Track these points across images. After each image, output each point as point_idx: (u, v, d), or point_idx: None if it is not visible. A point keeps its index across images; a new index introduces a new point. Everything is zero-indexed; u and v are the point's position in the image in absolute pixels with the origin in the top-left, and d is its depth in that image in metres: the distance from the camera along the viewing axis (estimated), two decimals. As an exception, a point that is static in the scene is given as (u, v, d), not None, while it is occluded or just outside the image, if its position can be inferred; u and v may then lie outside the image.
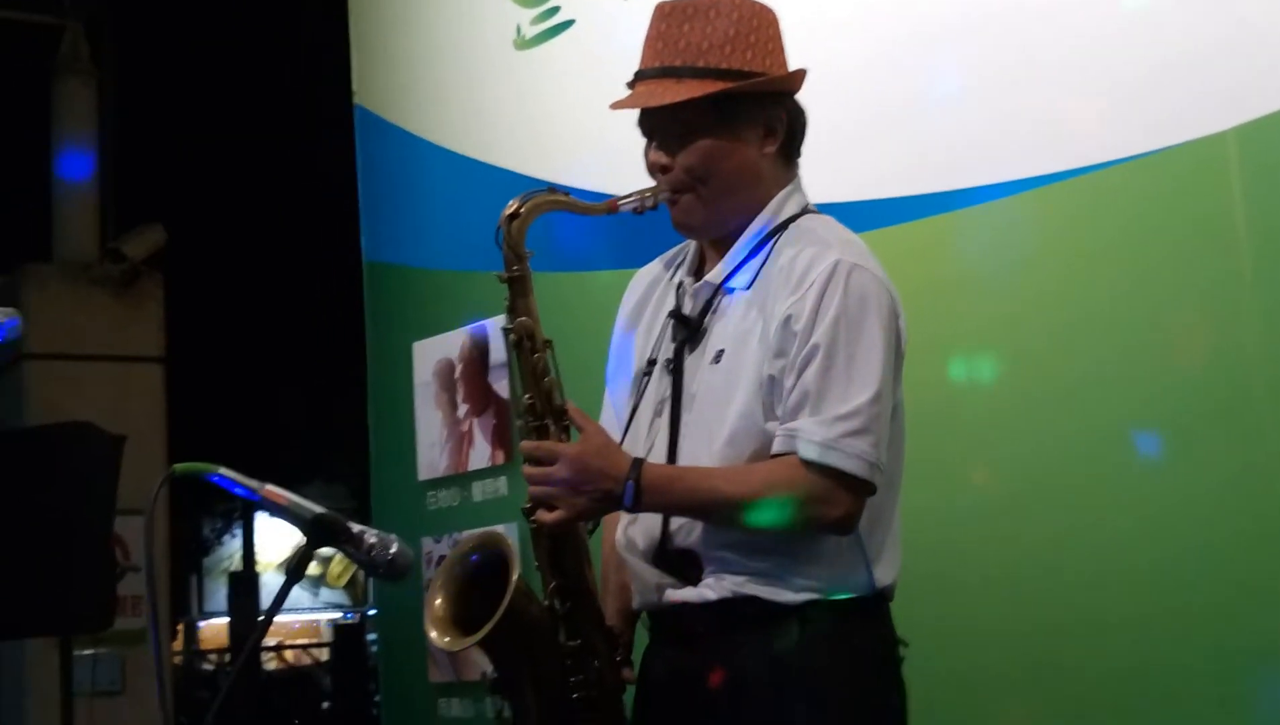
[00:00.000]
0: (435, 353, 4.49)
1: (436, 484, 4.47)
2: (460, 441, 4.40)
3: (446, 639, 2.30)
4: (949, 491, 3.15)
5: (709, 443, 2.30)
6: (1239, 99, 2.81)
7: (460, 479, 4.39)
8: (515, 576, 2.25)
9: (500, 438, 4.25)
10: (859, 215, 3.29)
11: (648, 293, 2.53)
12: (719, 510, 2.24)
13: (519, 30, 4.31)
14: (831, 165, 3.16)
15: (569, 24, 4.15)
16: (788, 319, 2.25)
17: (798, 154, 2.45)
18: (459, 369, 4.41)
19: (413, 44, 4.77)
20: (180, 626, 19.68)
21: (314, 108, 9.48)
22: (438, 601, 2.33)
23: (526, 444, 2.30)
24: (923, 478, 3.03)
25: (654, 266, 2.57)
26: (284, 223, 12.68)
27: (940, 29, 3.31)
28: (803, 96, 2.43)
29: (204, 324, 12.30)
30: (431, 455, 4.48)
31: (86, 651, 5.52)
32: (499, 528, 4.06)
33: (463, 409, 4.40)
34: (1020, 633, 3.07)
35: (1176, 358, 2.90)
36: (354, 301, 4.92)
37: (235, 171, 12.24)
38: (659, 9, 2.39)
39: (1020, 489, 3.09)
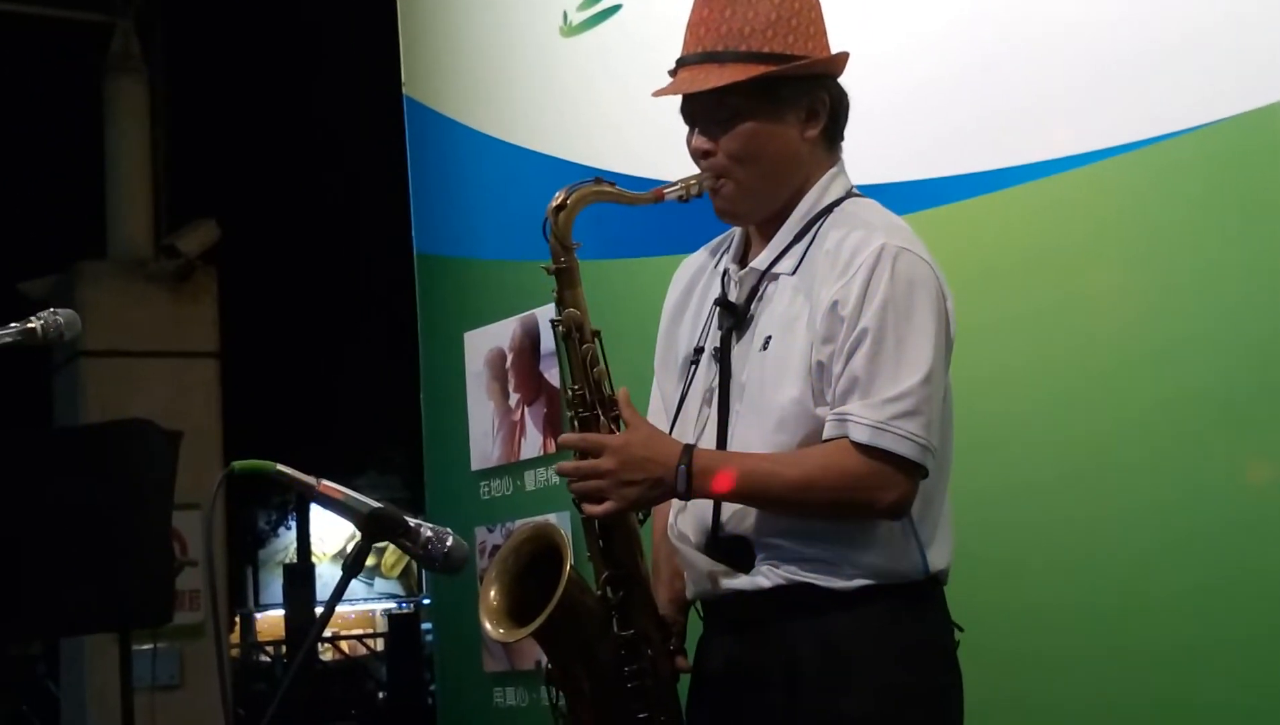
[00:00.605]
0: (487, 342, 4.50)
1: (489, 474, 4.47)
2: (512, 431, 4.40)
3: (501, 630, 2.30)
4: (1004, 472, 3.13)
5: (759, 430, 2.28)
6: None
7: (513, 468, 4.39)
8: (568, 567, 2.24)
9: (552, 426, 4.25)
10: (907, 196, 3.27)
11: (693, 281, 2.52)
12: (772, 496, 2.22)
13: (565, 17, 4.30)
14: (875, 146, 3.15)
15: (616, 9, 4.14)
16: (835, 304, 2.23)
17: (841, 137, 2.42)
18: (510, 358, 4.41)
19: (460, 34, 4.78)
20: (237, 619, 19.85)
21: (363, 100, 9.51)
22: (492, 593, 2.33)
23: (568, 437, 2.30)
24: (976, 459, 3.02)
25: (700, 255, 2.56)
26: (336, 215, 12.75)
27: (984, 2, 3.27)
28: (845, 78, 2.41)
29: (258, 318, 12.38)
30: (484, 445, 4.49)
31: (145, 646, 5.55)
32: (551, 517, 4.07)
33: (514, 398, 4.40)
34: (1077, 614, 3.04)
35: (1234, 333, 2.86)
36: (406, 292, 4.93)
37: (286, 165, 12.31)
38: None
39: (1076, 469, 3.06)
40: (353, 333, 14.13)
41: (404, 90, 4.95)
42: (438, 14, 4.90)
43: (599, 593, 2.33)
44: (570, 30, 4.29)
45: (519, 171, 4.42)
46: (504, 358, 4.44)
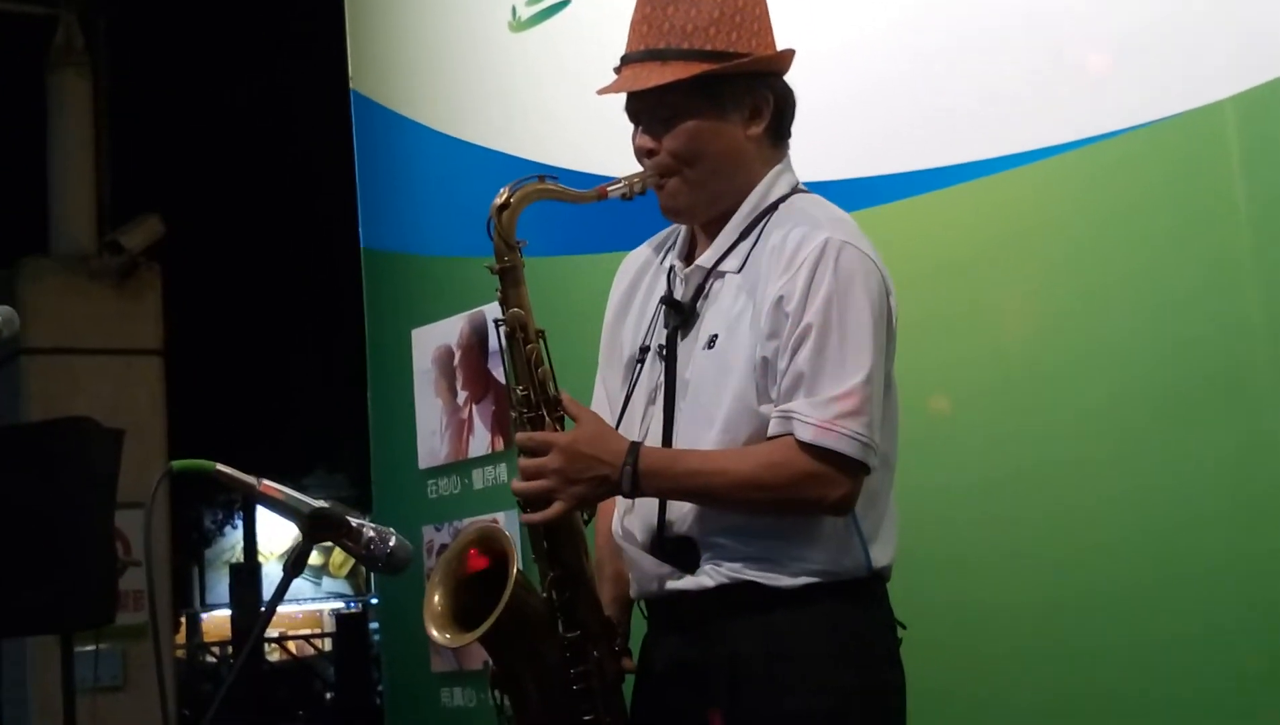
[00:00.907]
0: (434, 339, 4.47)
1: (437, 472, 4.45)
2: (460, 428, 4.37)
3: (447, 635, 2.28)
4: (949, 469, 3.14)
5: (705, 428, 2.28)
6: (1236, 68, 2.79)
7: (460, 466, 4.37)
8: (515, 571, 2.23)
9: (500, 424, 4.23)
10: (853, 193, 3.27)
11: (638, 277, 2.51)
12: (717, 493, 2.22)
13: (514, 12, 4.28)
14: (818, 143, 3.15)
15: (564, 4, 4.13)
16: (779, 300, 2.23)
17: (787, 134, 2.42)
18: (458, 355, 4.39)
19: (408, 29, 4.75)
20: (182, 619, 19.72)
21: (310, 95, 9.45)
22: (436, 598, 2.31)
23: (521, 436, 2.28)
24: (924, 456, 3.03)
25: (643, 250, 2.55)
26: (282, 211, 12.67)
27: (928, 1, 3.28)
28: (794, 74, 2.41)
29: (203, 315, 12.30)
30: (432, 443, 4.46)
31: (88, 647, 5.49)
32: (499, 515, 4.05)
33: (462, 396, 4.37)
34: (1022, 611, 3.05)
35: (1176, 331, 2.88)
36: (353, 289, 4.89)
37: (232, 161, 12.23)
38: None
39: (1020, 466, 3.08)
40: (299, 330, 14.05)
41: (351, 85, 4.92)
42: (385, 8, 4.86)
43: (544, 594, 2.32)
44: (519, 25, 4.27)
45: (467, 167, 4.40)
46: (452, 355, 4.41)
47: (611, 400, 2.48)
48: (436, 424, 4.45)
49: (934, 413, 3.16)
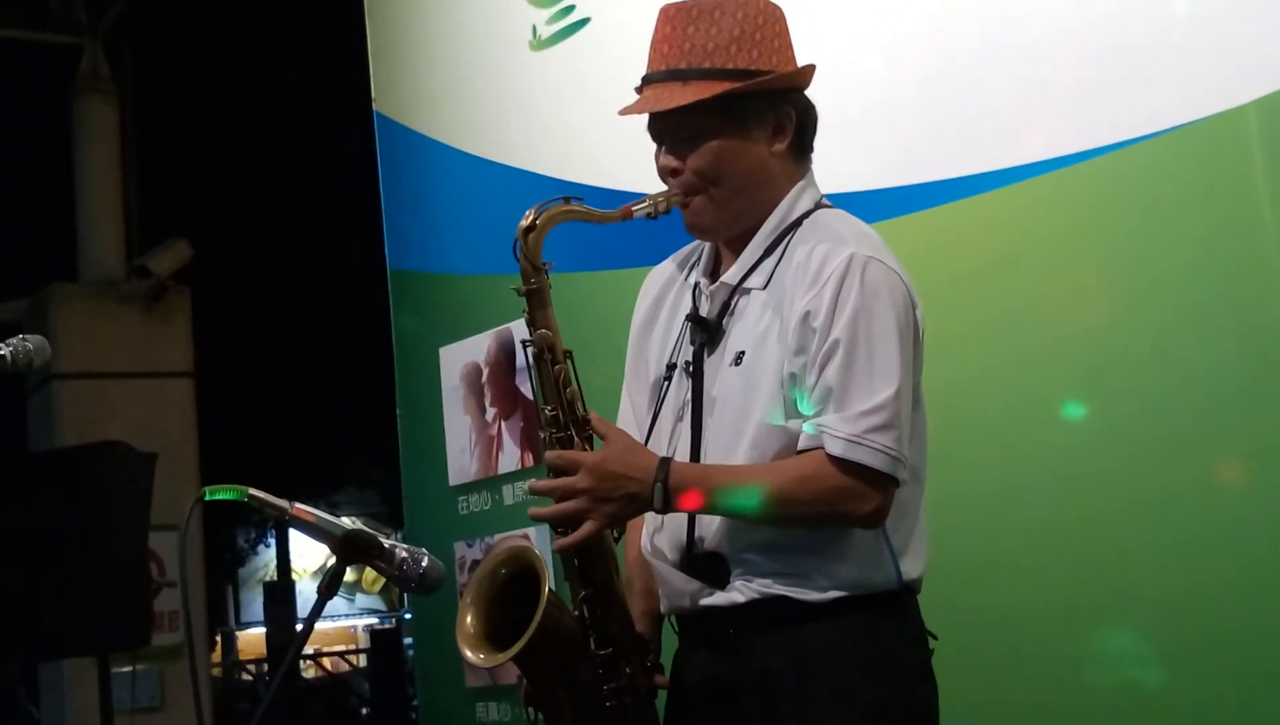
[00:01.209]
0: (462, 357, 4.49)
1: (467, 488, 4.47)
2: (489, 445, 4.39)
3: (481, 656, 2.30)
4: (979, 477, 3.14)
5: (733, 444, 2.29)
6: (1257, 72, 2.78)
7: (491, 483, 4.39)
8: (547, 590, 2.24)
9: (529, 439, 4.25)
10: (878, 204, 3.27)
11: (663, 292, 2.52)
12: (749, 507, 2.22)
13: (535, 31, 4.30)
14: (845, 154, 3.16)
15: (585, 22, 4.14)
16: (806, 315, 2.24)
17: (809, 149, 2.43)
18: (486, 372, 4.41)
19: (429, 49, 4.77)
20: (218, 638, 19.76)
21: (334, 117, 9.50)
22: (469, 619, 2.32)
23: (550, 454, 2.29)
24: (950, 465, 3.03)
25: (667, 266, 2.56)
26: (308, 232, 12.73)
27: (954, 8, 3.28)
28: (815, 86, 2.42)
29: (232, 337, 12.35)
30: (461, 460, 4.48)
31: (125, 668, 5.53)
32: (530, 531, 4.06)
33: (491, 412, 4.39)
34: (1055, 617, 3.05)
35: (1202, 337, 2.87)
36: (381, 308, 4.92)
37: (257, 184, 12.29)
38: (664, 11, 2.38)
39: (1051, 473, 3.07)
40: (328, 349, 14.10)
41: (374, 106, 4.95)
42: (407, 29, 4.89)
43: (576, 612, 2.33)
44: (539, 44, 4.29)
45: (490, 186, 4.42)
46: (480, 372, 4.43)
47: (638, 416, 2.49)
48: (466, 441, 4.47)
49: (961, 422, 3.16)
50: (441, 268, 4.63)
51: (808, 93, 2.42)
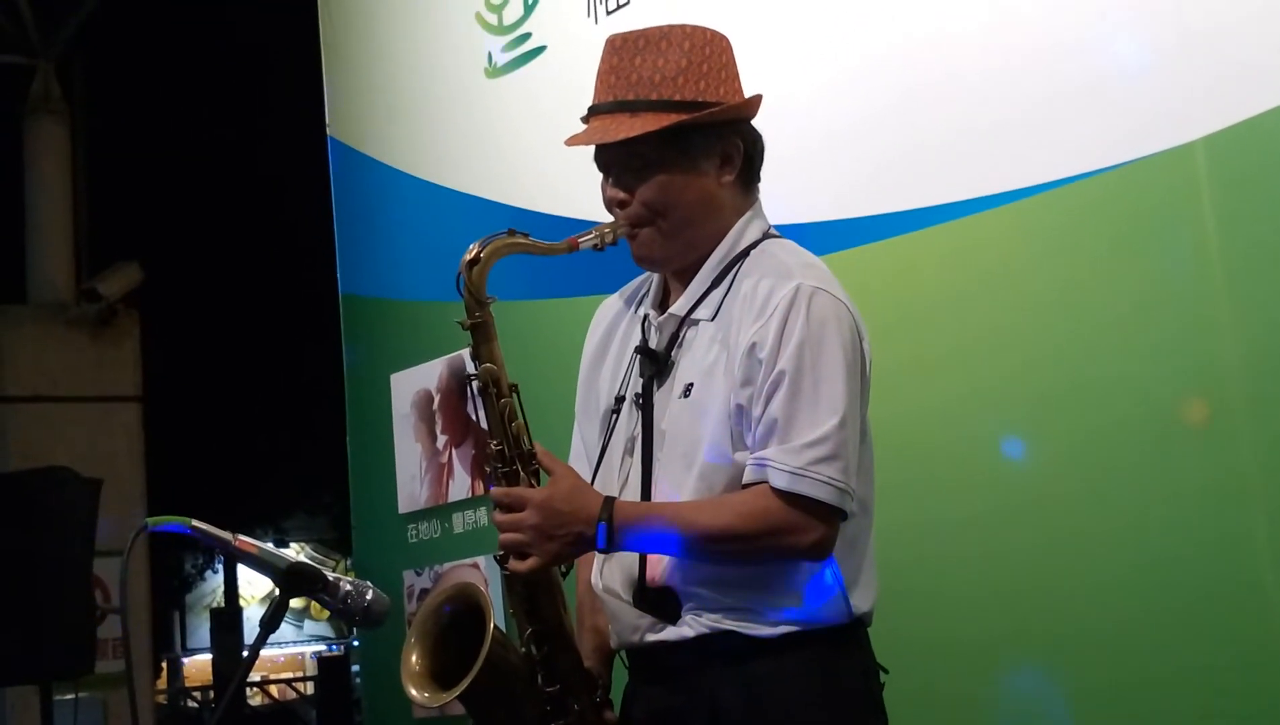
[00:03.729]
0: (413, 384, 4.47)
1: (417, 516, 4.44)
2: (440, 472, 4.37)
3: (426, 695, 2.27)
4: (931, 508, 3.14)
5: (683, 477, 2.28)
6: (1206, 110, 2.81)
7: (441, 510, 4.36)
8: (491, 627, 2.22)
9: (480, 468, 4.22)
10: (835, 234, 3.28)
11: (612, 327, 2.51)
12: (692, 545, 2.22)
13: (490, 58, 4.30)
14: (795, 186, 3.17)
15: (540, 50, 4.14)
16: (752, 347, 2.23)
17: (757, 179, 2.43)
18: (437, 399, 4.39)
19: (385, 75, 4.76)
20: (164, 664, 19.57)
21: (288, 141, 9.47)
22: (413, 657, 2.29)
23: (496, 491, 2.28)
24: (905, 495, 3.04)
25: (616, 300, 2.55)
26: (260, 257, 12.67)
27: (905, 43, 3.30)
28: (765, 118, 2.42)
29: (182, 361, 12.26)
30: (412, 487, 4.46)
31: (68, 696, 5.46)
32: (479, 560, 4.04)
33: (441, 440, 4.37)
34: (1004, 646, 3.05)
35: (1151, 371, 2.88)
36: (332, 334, 4.90)
37: (210, 207, 12.23)
38: (610, 42, 2.37)
39: (1004, 503, 3.08)
40: (279, 374, 14.02)
41: (328, 131, 4.93)
42: (362, 55, 4.88)
43: (523, 649, 2.31)
44: (495, 71, 4.29)
45: (444, 212, 4.41)
46: (431, 399, 4.41)
47: (589, 451, 2.47)
48: (416, 468, 4.45)
49: (920, 450, 3.16)
50: (394, 294, 4.61)
51: (756, 123, 2.42)
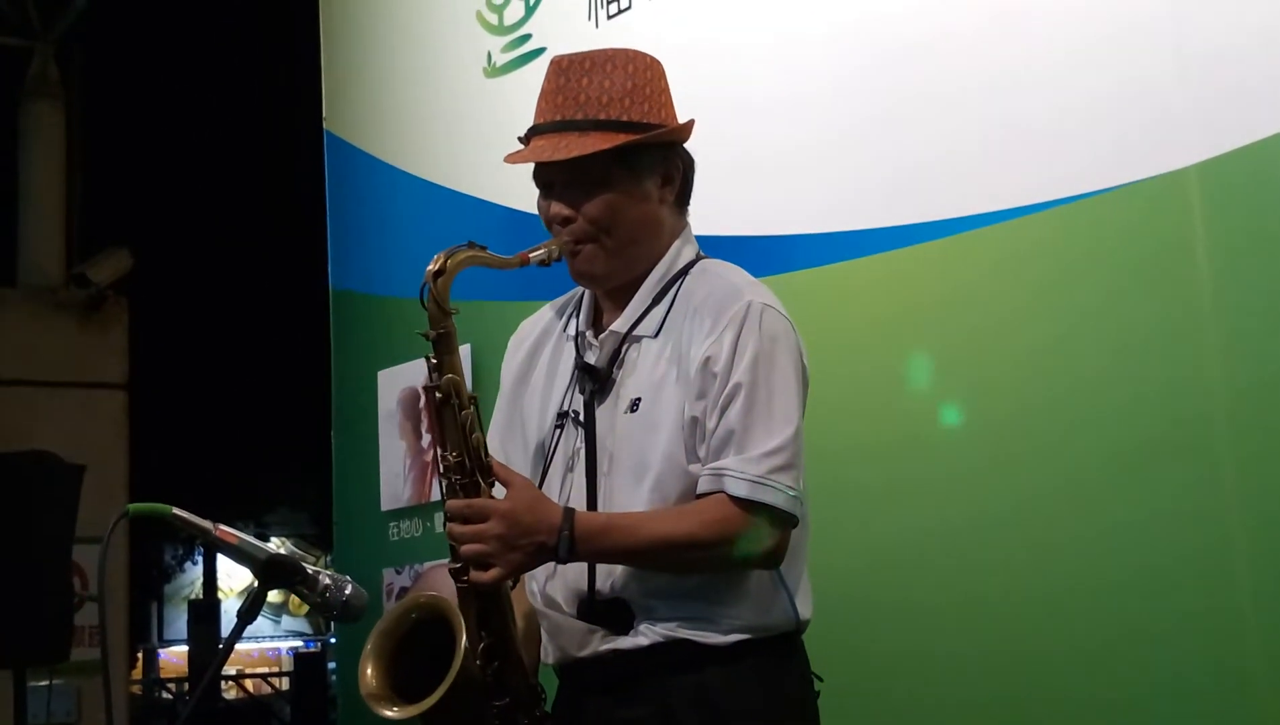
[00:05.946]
0: (400, 381, 4.46)
1: (399, 514, 4.43)
2: (424, 471, 4.36)
3: (394, 710, 2.26)
4: (901, 521, 3.16)
5: (634, 489, 2.31)
6: (1201, 137, 2.82)
7: (423, 509, 4.35)
8: (463, 641, 2.21)
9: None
10: (829, 247, 3.28)
11: (537, 346, 2.54)
12: (653, 554, 2.25)
13: (489, 58, 4.30)
14: (782, 199, 3.17)
15: (539, 52, 4.14)
16: (706, 360, 2.28)
17: (689, 200, 2.49)
18: (423, 398, 4.38)
19: (383, 71, 4.76)
20: (140, 654, 19.54)
21: (283, 134, 9.46)
22: (369, 671, 2.28)
23: (455, 503, 2.28)
24: (876, 507, 3.05)
25: (537, 321, 2.58)
26: (251, 249, 12.66)
27: (896, 55, 3.30)
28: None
29: (170, 350, 12.25)
30: (395, 485, 4.45)
31: (41, 683, 5.44)
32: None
33: (426, 438, 4.36)
34: (972, 661, 3.06)
35: (1137, 391, 2.89)
36: (320, 328, 4.89)
37: (203, 196, 12.22)
38: (555, 64, 2.43)
39: (980, 517, 3.08)
40: (266, 367, 14.00)
41: (324, 125, 4.93)
42: (361, 49, 4.88)
43: (477, 661, 2.30)
44: (494, 71, 4.29)
45: (438, 210, 4.41)
46: (418, 397, 4.40)
47: (514, 467, 2.45)
48: (400, 466, 4.44)
49: (896, 464, 3.17)
50: (384, 290, 4.61)
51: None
